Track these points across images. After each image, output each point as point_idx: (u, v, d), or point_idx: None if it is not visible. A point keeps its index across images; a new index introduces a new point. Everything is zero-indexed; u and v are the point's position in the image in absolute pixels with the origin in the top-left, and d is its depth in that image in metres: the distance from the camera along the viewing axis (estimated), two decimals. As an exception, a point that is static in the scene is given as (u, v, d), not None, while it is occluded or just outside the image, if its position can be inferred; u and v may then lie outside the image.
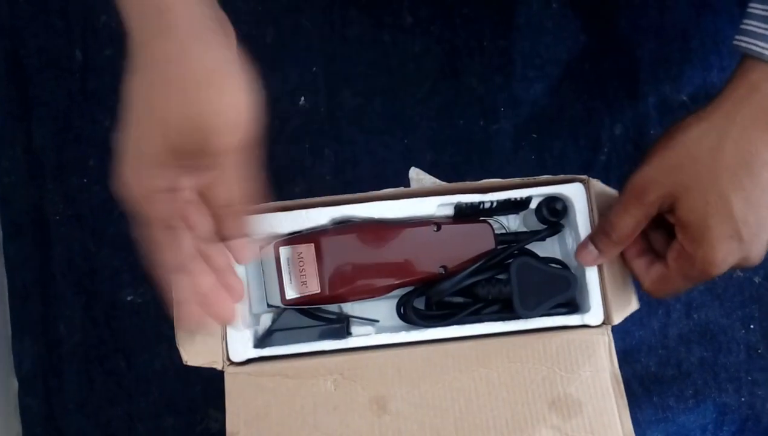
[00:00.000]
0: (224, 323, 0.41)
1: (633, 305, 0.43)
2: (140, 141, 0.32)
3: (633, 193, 0.39)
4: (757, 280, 0.55)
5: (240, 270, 0.43)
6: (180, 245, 0.34)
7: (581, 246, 0.42)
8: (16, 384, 0.54)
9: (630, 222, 0.39)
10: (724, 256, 0.37)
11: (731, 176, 0.36)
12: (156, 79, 0.31)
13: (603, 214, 0.41)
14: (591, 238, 0.42)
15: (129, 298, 0.54)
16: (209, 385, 0.53)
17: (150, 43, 0.31)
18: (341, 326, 0.45)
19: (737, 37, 0.37)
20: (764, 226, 0.36)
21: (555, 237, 0.46)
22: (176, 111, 0.31)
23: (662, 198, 0.38)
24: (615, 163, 0.56)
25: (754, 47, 0.35)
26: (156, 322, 0.54)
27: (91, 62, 0.56)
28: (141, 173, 0.32)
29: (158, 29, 0.31)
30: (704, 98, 0.56)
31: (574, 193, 0.44)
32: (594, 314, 0.43)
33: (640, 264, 0.41)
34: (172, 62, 0.31)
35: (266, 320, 0.46)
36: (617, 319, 0.43)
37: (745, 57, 0.36)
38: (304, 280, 0.42)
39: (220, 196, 0.34)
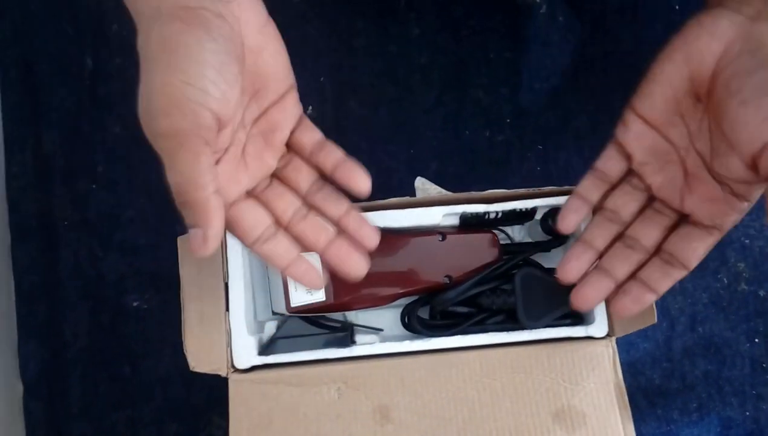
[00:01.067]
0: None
1: (651, 319, 0.42)
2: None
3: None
4: (761, 293, 0.55)
5: (245, 277, 0.44)
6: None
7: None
8: (21, 388, 0.54)
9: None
10: None
11: None
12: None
13: None
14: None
15: (135, 304, 0.54)
16: (213, 392, 0.53)
17: None
18: (345, 335, 0.45)
19: None
20: None
21: (560, 248, 0.47)
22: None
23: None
24: (620, 175, 0.56)
25: None
26: (161, 328, 0.54)
27: (101, 69, 0.57)
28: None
29: None
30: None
31: (579, 204, 0.44)
32: (598, 326, 0.43)
33: None
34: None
35: (271, 328, 0.46)
36: (623, 331, 0.43)
37: None
38: (309, 288, 0.43)
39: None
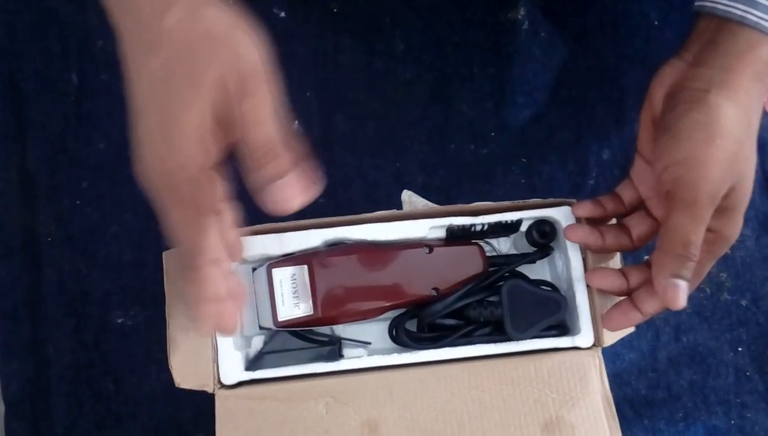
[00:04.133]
0: (228, 333, 0.39)
1: (629, 327, 0.43)
2: (177, 117, 0.31)
3: (701, 200, 0.36)
4: (744, 303, 0.56)
5: (232, 292, 0.43)
6: (211, 234, 0.33)
7: (670, 288, 0.37)
8: (2, 408, 0.53)
9: (702, 232, 0.37)
10: None
11: (753, 148, 0.38)
12: (180, 47, 0.31)
13: (670, 241, 0.38)
14: (675, 274, 0.37)
15: (119, 320, 0.54)
16: (199, 409, 0.52)
17: (159, 18, 0.31)
18: (333, 349, 0.45)
19: (726, 2, 0.38)
20: None
21: (545, 260, 0.47)
22: (213, 68, 0.31)
23: (725, 194, 0.37)
24: (603, 188, 0.56)
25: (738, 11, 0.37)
26: (146, 345, 0.53)
27: (87, 86, 0.57)
28: (180, 153, 0.31)
29: (166, 4, 0.31)
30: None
31: (563, 216, 0.44)
32: (584, 336, 0.43)
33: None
34: (193, 25, 0.31)
35: (258, 343, 0.46)
36: (609, 341, 0.43)
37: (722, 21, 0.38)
38: (296, 302, 0.43)
39: (260, 134, 0.32)
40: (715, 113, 0.36)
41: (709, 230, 0.38)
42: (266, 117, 0.33)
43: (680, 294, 0.37)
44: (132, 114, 0.32)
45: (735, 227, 0.39)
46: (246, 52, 0.32)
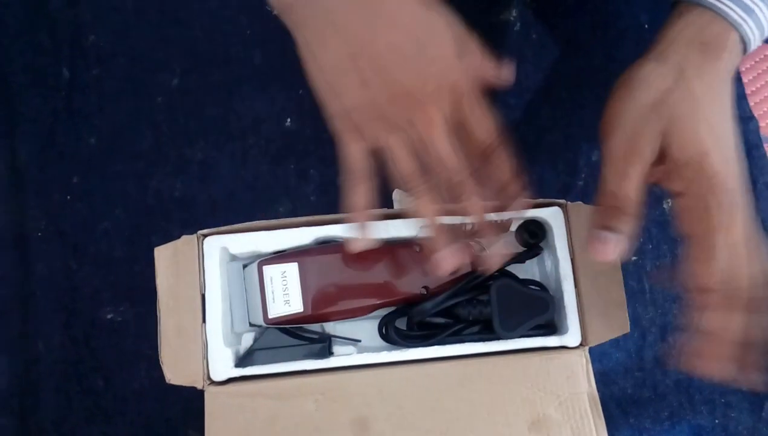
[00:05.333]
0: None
1: (624, 328, 0.43)
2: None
3: (625, 153, 0.37)
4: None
5: (222, 288, 0.43)
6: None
7: (594, 240, 0.38)
8: (-10, 403, 0.53)
9: (633, 184, 0.37)
10: (730, 175, 0.36)
11: (710, 106, 0.37)
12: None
13: (601, 194, 0.38)
14: (601, 225, 0.38)
15: (109, 316, 0.54)
16: (188, 405, 0.52)
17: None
18: (323, 346, 0.45)
19: None
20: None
21: (534, 259, 0.47)
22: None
23: (652, 144, 0.37)
24: (592, 189, 0.57)
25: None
26: (135, 341, 0.53)
27: (78, 81, 0.56)
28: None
29: None
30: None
31: (552, 216, 0.45)
32: (572, 336, 0.44)
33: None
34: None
35: (248, 339, 0.46)
36: (596, 340, 0.43)
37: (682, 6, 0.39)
38: (287, 299, 0.43)
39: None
40: (634, 72, 0.39)
41: (679, 194, 0.37)
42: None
43: (603, 247, 0.37)
44: None
45: (703, 183, 0.36)
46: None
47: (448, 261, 0.39)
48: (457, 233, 0.41)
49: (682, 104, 0.37)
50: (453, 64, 0.37)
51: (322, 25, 0.35)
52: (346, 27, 0.35)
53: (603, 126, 0.40)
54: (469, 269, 0.45)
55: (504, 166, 0.39)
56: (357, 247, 0.41)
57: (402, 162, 0.38)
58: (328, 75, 0.36)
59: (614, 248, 0.37)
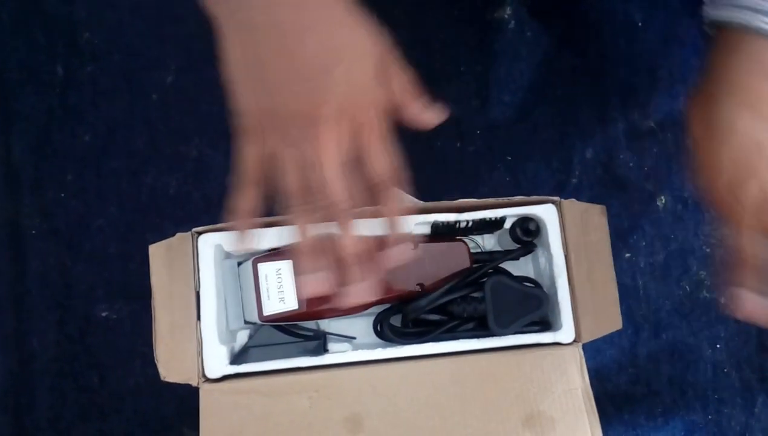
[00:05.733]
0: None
1: (617, 324, 0.43)
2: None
3: (740, 210, 0.36)
4: (723, 301, 0.57)
5: (216, 285, 0.44)
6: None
7: (742, 302, 0.36)
8: (-15, 401, 0.53)
9: (746, 234, 0.37)
10: None
11: None
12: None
13: (735, 254, 0.37)
14: (742, 286, 0.36)
15: (104, 314, 0.54)
16: (183, 402, 0.52)
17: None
18: (318, 343, 0.45)
19: (727, 12, 0.37)
20: None
21: (528, 256, 0.48)
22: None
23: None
24: (586, 186, 0.57)
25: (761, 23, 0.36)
26: (130, 338, 0.53)
27: (73, 78, 0.56)
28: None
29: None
30: (671, 125, 0.58)
31: (546, 214, 0.45)
32: (566, 332, 0.44)
33: None
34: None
35: (243, 337, 0.46)
36: (589, 337, 0.44)
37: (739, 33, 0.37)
38: (281, 296, 0.43)
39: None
40: (726, 121, 0.36)
41: None
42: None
43: (757, 308, 0.36)
44: None
45: None
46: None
47: (308, 287, 0.37)
48: (323, 257, 0.38)
49: None
50: (363, 89, 0.35)
51: (240, 22, 0.34)
52: (263, 28, 0.34)
53: (712, 190, 0.37)
54: (464, 266, 0.45)
55: (388, 210, 0.38)
56: (237, 249, 0.39)
57: (289, 178, 0.36)
58: (238, 72, 0.35)
59: (743, 302, 0.36)
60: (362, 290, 0.37)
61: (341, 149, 0.35)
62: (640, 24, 0.59)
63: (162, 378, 0.41)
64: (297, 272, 0.39)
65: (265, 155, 0.36)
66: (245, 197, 0.37)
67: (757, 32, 0.36)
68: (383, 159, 0.37)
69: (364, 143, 0.36)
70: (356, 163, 0.36)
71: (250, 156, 0.37)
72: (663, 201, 0.57)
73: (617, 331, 0.44)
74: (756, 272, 0.36)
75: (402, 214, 0.38)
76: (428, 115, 0.39)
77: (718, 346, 0.56)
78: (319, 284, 0.37)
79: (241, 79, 0.35)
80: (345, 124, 0.35)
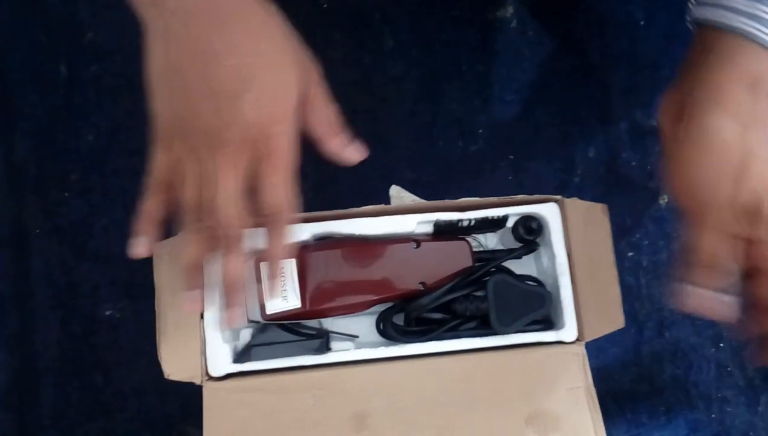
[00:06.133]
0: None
1: (619, 323, 0.44)
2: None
3: (714, 221, 0.37)
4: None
5: (220, 284, 0.44)
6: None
7: (689, 297, 0.38)
8: (-11, 399, 0.53)
9: (714, 241, 0.37)
10: None
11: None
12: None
13: (692, 252, 0.38)
14: (679, 279, 0.38)
15: (107, 313, 0.54)
16: (187, 401, 0.52)
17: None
18: (321, 342, 0.45)
19: (711, 11, 0.37)
20: None
21: (531, 255, 0.48)
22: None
23: (740, 215, 0.37)
24: (588, 185, 0.57)
25: (743, 26, 0.36)
26: (134, 337, 0.54)
27: (76, 77, 0.57)
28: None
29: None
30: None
31: (549, 212, 0.45)
32: (568, 331, 0.44)
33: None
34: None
35: (246, 335, 0.46)
36: (592, 335, 0.44)
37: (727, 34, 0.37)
38: (284, 295, 0.43)
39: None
40: (695, 118, 0.37)
41: (759, 239, 0.37)
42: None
43: (697, 300, 0.38)
44: None
45: None
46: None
47: (188, 304, 0.38)
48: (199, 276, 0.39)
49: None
50: (272, 119, 0.35)
51: (163, 28, 0.34)
52: (183, 40, 0.33)
53: (680, 189, 0.38)
54: (467, 265, 0.45)
55: (272, 247, 0.38)
56: (133, 253, 0.39)
57: (187, 193, 0.36)
58: (158, 76, 0.35)
59: (707, 301, 0.38)
60: (234, 315, 0.38)
61: (238, 175, 0.35)
62: (642, 23, 0.59)
63: (166, 376, 0.41)
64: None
65: (172, 163, 0.36)
66: (151, 202, 0.37)
67: (734, 32, 0.36)
68: (277, 193, 0.36)
69: (262, 173, 0.36)
70: (252, 192, 0.36)
71: (159, 162, 0.37)
72: (666, 200, 0.57)
73: (620, 329, 0.44)
74: (710, 271, 0.37)
75: (283, 257, 0.39)
76: (348, 152, 0.40)
77: (721, 345, 0.56)
78: (190, 303, 0.38)
79: (159, 83, 0.35)
80: (246, 150, 0.35)
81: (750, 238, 0.37)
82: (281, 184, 0.36)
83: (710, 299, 0.37)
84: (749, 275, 0.39)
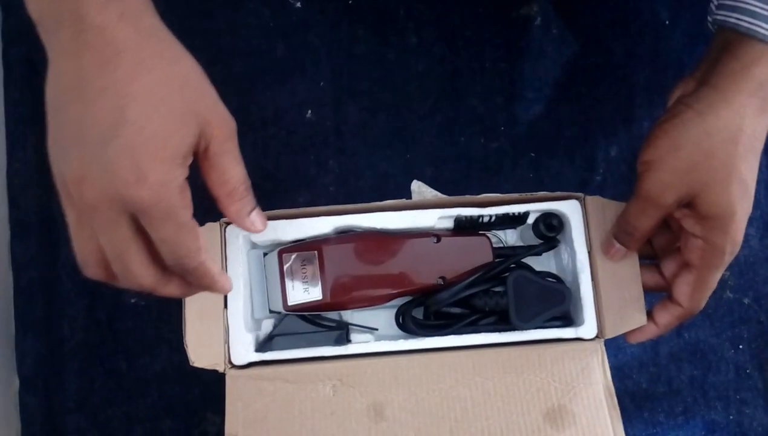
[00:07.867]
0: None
1: (640, 320, 0.44)
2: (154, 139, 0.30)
3: (650, 198, 0.40)
4: (746, 301, 0.57)
5: (243, 275, 0.44)
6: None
7: (607, 244, 0.44)
8: (17, 382, 0.55)
9: (649, 222, 0.41)
10: (743, 230, 0.39)
11: (746, 162, 0.38)
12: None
13: (622, 215, 0.43)
14: (614, 236, 0.43)
15: (132, 300, 0.55)
16: (208, 389, 0.53)
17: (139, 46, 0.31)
18: (341, 333, 0.46)
19: (720, 12, 0.39)
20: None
21: (551, 252, 0.48)
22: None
23: (680, 199, 0.39)
24: (610, 184, 0.57)
25: (744, 23, 0.37)
26: (157, 325, 0.55)
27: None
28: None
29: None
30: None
31: (570, 210, 0.45)
32: (588, 328, 0.44)
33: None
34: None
35: (268, 325, 0.47)
36: (612, 333, 0.44)
37: (731, 34, 0.38)
38: (306, 287, 0.43)
39: (219, 178, 0.35)
40: (675, 123, 0.39)
41: (696, 236, 0.40)
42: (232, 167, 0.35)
43: (615, 253, 0.44)
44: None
45: (723, 237, 0.39)
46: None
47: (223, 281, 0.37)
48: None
49: (722, 169, 0.38)
50: (146, 169, 0.30)
51: (53, 59, 0.31)
52: (68, 72, 0.30)
53: (643, 163, 0.40)
54: (486, 261, 0.45)
55: (189, 291, 0.37)
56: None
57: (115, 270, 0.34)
58: (49, 104, 0.32)
59: (622, 256, 0.44)
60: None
61: (130, 237, 0.32)
62: (666, 22, 0.59)
63: (191, 363, 0.42)
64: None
65: (84, 239, 0.33)
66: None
67: (755, 37, 0.37)
68: (167, 247, 0.33)
69: (148, 229, 0.32)
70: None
71: (74, 237, 0.34)
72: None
73: (641, 326, 0.44)
74: (634, 241, 0.42)
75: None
76: (248, 222, 0.37)
77: (740, 347, 0.56)
78: (225, 280, 0.37)
79: (48, 122, 0.32)
80: (120, 211, 0.31)
81: (680, 225, 0.41)
82: (171, 238, 0.32)
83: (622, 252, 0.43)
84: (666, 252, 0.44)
